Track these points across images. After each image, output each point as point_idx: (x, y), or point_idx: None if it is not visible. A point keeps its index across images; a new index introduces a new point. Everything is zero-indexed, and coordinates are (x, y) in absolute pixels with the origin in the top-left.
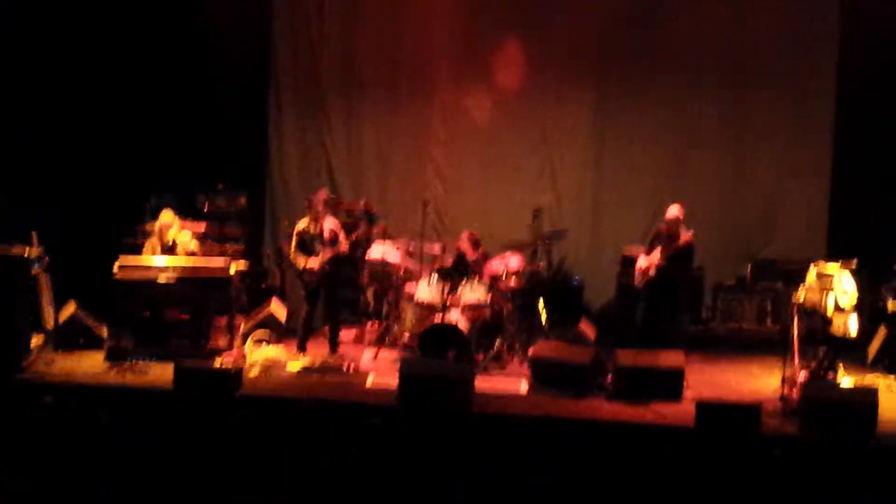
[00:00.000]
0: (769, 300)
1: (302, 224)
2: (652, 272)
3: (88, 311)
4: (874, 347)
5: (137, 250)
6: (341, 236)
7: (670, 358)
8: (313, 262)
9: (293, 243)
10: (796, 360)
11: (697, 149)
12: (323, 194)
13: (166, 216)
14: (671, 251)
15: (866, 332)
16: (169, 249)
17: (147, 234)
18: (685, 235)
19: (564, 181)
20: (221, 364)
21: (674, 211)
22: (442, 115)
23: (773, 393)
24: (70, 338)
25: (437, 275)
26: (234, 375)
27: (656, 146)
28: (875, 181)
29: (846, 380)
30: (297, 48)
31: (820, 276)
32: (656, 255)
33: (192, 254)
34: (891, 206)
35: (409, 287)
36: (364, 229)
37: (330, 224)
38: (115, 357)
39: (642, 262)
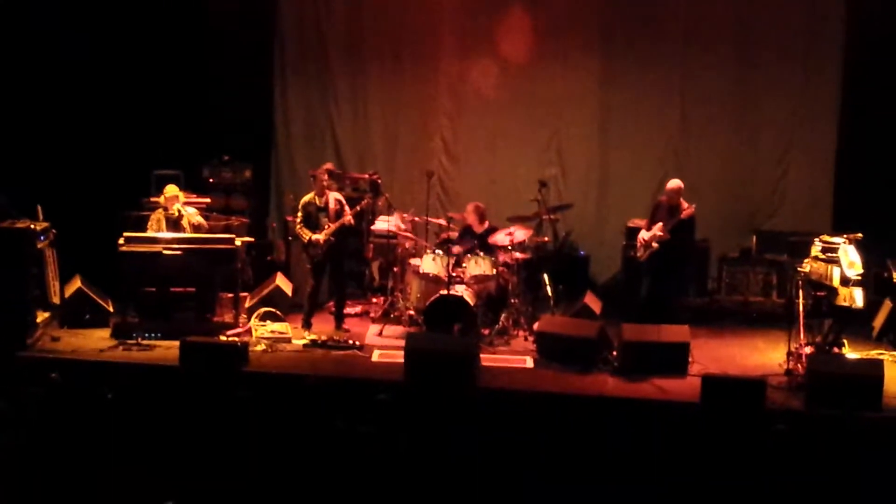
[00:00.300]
0: (774, 273)
1: (307, 197)
2: (654, 245)
3: (94, 285)
4: (879, 322)
5: (142, 223)
6: (346, 208)
7: (675, 332)
8: (319, 235)
9: (299, 217)
10: (802, 334)
11: (702, 121)
12: (327, 167)
13: (171, 189)
14: (673, 224)
15: (872, 304)
16: (174, 223)
17: (152, 207)
18: (687, 208)
19: (570, 153)
20: (227, 339)
21: (675, 183)
22: (447, 87)
23: (779, 367)
24: (76, 313)
25: (442, 248)
26: (240, 351)
27: (661, 118)
28: (880, 153)
29: (851, 355)
30: (303, 21)
31: (825, 248)
32: (658, 227)
33: (199, 228)
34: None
35: (413, 261)
36: (368, 200)
37: (335, 196)
38: (121, 334)
39: (644, 234)
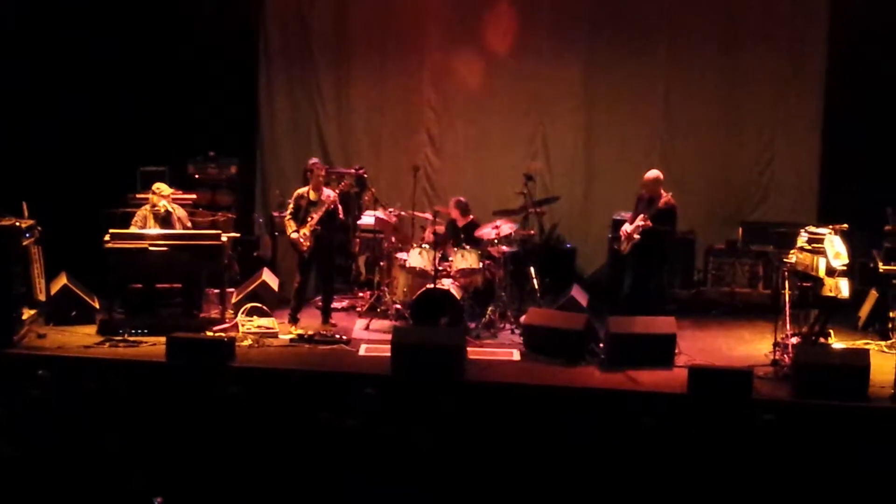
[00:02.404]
0: (761, 264)
1: (301, 190)
2: (636, 236)
3: (79, 282)
4: (865, 311)
5: (128, 220)
6: (339, 205)
7: (662, 324)
8: (304, 230)
9: (289, 208)
10: (788, 325)
11: (687, 113)
12: (312, 162)
13: (159, 186)
14: (652, 213)
15: (857, 294)
16: (163, 220)
17: (138, 204)
18: (665, 197)
19: (556, 146)
20: (214, 335)
21: (652, 173)
22: (432, 79)
23: (765, 357)
24: (62, 310)
25: (428, 242)
26: (227, 346)
27: (646, 111)
28: (865, 144)
29: (838, 345)
30: (287, 15)
31: (811, 239)
32: (640, 219)
33: (186, 226)
34: (881, 169)
35: (400, 255)
36: (350, 182)
37: (328, 192)
38: (107, 330)
39: (626, 227)
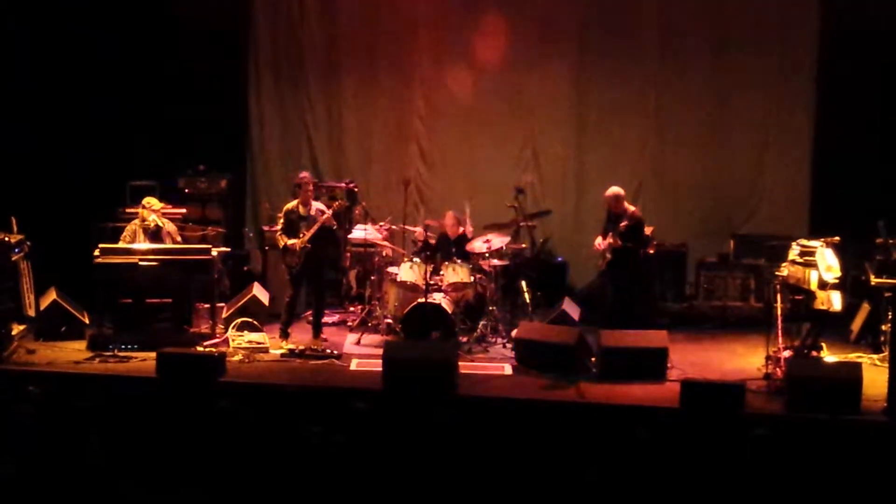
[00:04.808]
0: (752, 277)
1: (290, 204)
2: (608, 255)
3: (69, 297)
4: (857, 325)
5: (118, 235)
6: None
7: (654, 338)
8: (295, 241)
9: (279, 223)
10: (780, 338)
11: (678, 125)
12: (302, 176)
13: (149, 201)
14: (619, 231)
15: (850, 307)
16: (152, 234)
17: (128, 219)
18: (629, 211)
19: (546, 159)
20: (204, 350)
21: (611, 190)
22: (422, 91)
23: (758, 371)
24: (52, 326)
25: (419, 256)
26: (218, 361)
27: (637, 123)
28: (856, 156)
29: (830, 358)
30: (277, 28)
31: (803, 252)
32: (609, 237)
33: (176, 241)
34: (872, 181)
35: (391, 269)
36: (343, 201)
37: (318, 206)
38: (97, 345)
39: (599, 241)
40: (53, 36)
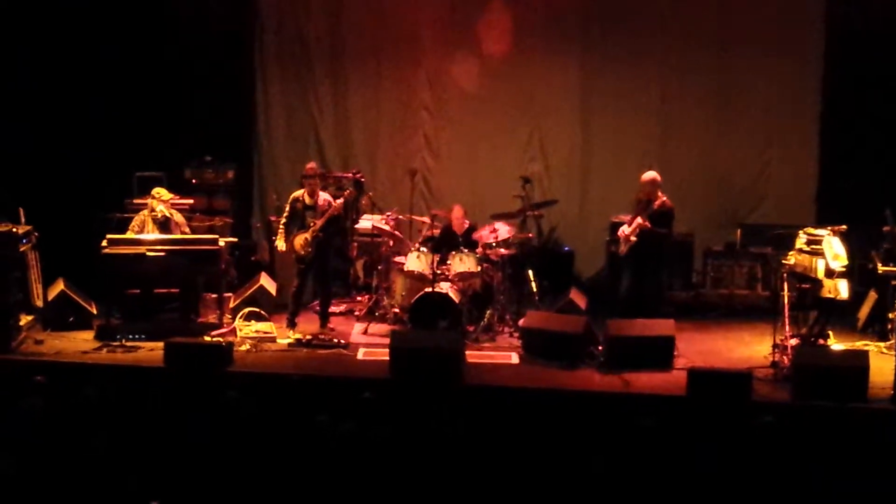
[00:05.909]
0: (759, 266)
1: (297, 193)
2: (633, 238)
3: (77, 288)
4: (864, 313)
5: (125, 225)
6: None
7: (661, 326)
8: (307, 234)
9: (285, 212)
10: (787, 327)
11: (684, 114)
12: (310, 167)
13: (158, 191)
14: (649, 213)
15: (856, 295)
16: (161, 225)
17: (136, 209)
18: (661, 198)
19: (552, 148)
20: (212, 340)
21: (648, 175)
22: (429, 83)
23: (765, 359)
24: (59, 316)
25: (426, 245)
26: (225, 351)
27: (643, 112)
28: (863, 144)
29: (837, 346)
30: (283, 20)
31: (810, 241)
32: (638, 220)
33: (184, 231)
34: (879, 169)
35: (398, 259)
36: (352, 191)
37: (325, 197)
38: (105, 336)
39: (625, 228)
40: (64, 28)
